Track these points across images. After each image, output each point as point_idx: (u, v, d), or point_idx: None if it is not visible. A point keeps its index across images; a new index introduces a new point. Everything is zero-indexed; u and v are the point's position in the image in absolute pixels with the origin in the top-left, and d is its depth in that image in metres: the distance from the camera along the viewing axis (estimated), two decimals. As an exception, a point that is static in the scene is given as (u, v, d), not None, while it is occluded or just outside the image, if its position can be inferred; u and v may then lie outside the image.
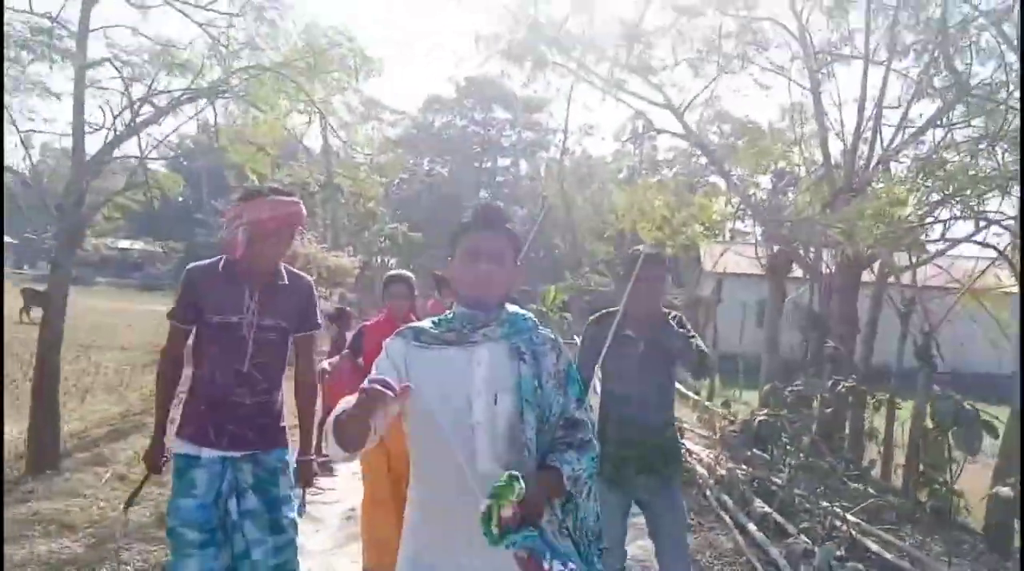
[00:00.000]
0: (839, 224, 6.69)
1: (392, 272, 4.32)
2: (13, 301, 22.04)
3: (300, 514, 5.32)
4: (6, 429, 8.09)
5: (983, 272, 7.97)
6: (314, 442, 3.12)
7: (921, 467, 5.90)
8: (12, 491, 5.42)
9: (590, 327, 3.37)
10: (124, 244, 48.13)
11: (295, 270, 3.05)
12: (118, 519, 4.79)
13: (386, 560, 3.66)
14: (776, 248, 10.21)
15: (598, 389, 3.38)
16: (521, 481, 1.68)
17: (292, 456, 3.04)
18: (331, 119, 8.46)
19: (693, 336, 3.22)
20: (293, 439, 3.09)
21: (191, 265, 2.96)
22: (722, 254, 15.66)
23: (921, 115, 8.74)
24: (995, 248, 7.06)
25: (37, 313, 20.65)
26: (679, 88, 10.04)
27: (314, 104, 7.18)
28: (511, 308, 2.02)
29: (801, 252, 9.84)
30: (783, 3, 9.75)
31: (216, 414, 2.83)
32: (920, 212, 7.38)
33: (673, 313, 3.30)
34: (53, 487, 5.51)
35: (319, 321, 3.11)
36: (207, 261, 2.96)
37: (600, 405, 3.29)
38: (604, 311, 3.41)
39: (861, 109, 8.64)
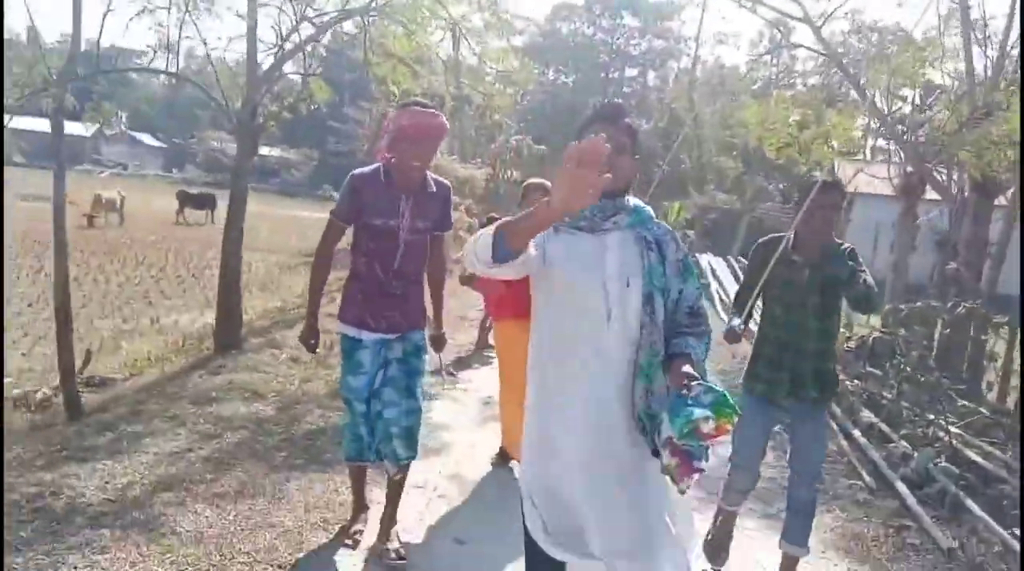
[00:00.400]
0: (968, 147, 6.56)
1: (531, 180, 4.44)
2: (168, 203, 24.20)
3: (452, 373, 5.84)
4: (186, 317, 9.40)
5: None
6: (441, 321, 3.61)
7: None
8: (205, 365, 6.52)
9: (759, 248, 3.39)
10: (263, 150, 51.04)
11: (439, 178, 3.37)
12: (299, 389, 5.78)
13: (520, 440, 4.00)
14: (909, 168, 9.91)
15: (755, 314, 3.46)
16: (734, 408, 1.81)
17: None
18: (467, 33, 8.82)
19: (863, 270, 3.15)
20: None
21: (355, 171, 3.28)
22: (856, 174, 15.12)
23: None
24: None
25: (193, 215, 22.96)
26: (817, -1, 9.69)
27: (452, 19, 7.61)
28: (632, 199, 2.13)
29: (935, 173, 9.55)
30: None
31: (374, 303, 3.23)
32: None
33: (845, 245, 3.24)
34: (239, 363, 6.56)
35: (451, 222, 3.47)
36: (369, 168, 3.27)
37: (759, 325, 3.36)
38: (774, 235, 3.44)
39: (1008, 26, 8.15)
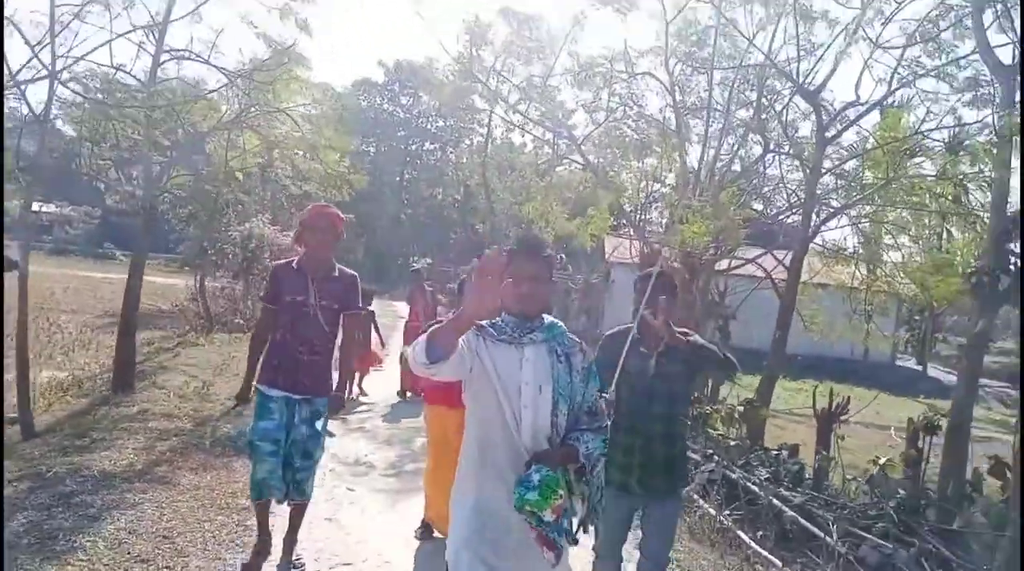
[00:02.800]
0: (673, 240, 10.00)
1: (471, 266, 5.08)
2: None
3: (330, 435, 5.65)
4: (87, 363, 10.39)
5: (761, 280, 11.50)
6: (346, 385, 4.40)
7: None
8: (108, 401, 8.07)
9: (606, 341, 3.55)
10: (35, 206, 47.72)
11: (345, 269, 4.12)
12: (202, 412, 7.62)
13: (444, 513, 4.32)
14: (645, 248, 13.61)
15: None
16: (563, 486, 2.26)
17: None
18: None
19: (712, 345, 3.37)
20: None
21: (275, 263, 4.29)
22: (613, 250, 19.14)
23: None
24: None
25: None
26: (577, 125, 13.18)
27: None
28: (547, 317, 2.46)
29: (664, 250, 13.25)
30: (658, 64, 13.02)
31: (284, 367, 3.95)
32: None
33: (684, 329, 3.33)
34: (138, 398, 8.21)
35: (359, 304, 4.21)
36: (285, 260, 4.19)
37: (613, 415, 3.37)
38: (619, 328, 3.59)
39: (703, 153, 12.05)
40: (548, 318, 2.47)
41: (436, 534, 4.90)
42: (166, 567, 4.04)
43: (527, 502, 2.19)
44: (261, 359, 4.03)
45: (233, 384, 8.84)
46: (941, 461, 6.58)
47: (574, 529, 2.36)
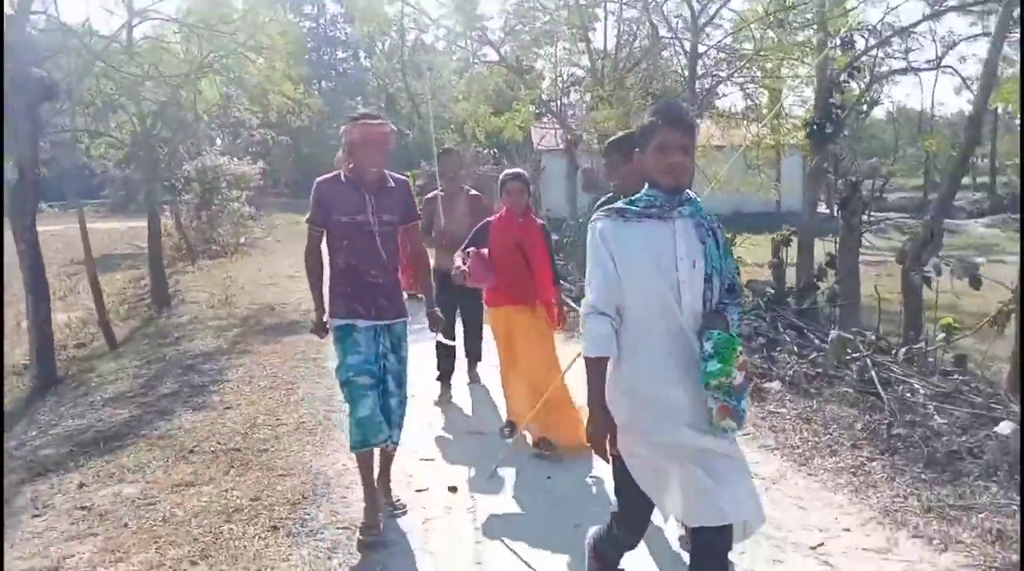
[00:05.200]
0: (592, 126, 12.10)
1: (509, 170, 4.83)
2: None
3: (452, 341, 5.70)
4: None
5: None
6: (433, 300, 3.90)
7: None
8: (156, 317, 9.96)
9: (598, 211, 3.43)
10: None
11: (396, 175, 3.67)
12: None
13: (522, 409, 4.60)
14: (566, 133, 15.65)
15: None
16: (738, 341, 2.20)
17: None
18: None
19: None
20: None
21: (318, 178, 3.58)
22: (541, 138, 21.13)
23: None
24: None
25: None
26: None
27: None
28: (689, 191, 2.38)
29: (584, 136, 15.32)
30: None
31: (360, 294, 3.52)
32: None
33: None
34: (177, 312, 10.10)
35: (417, 214, 3.84)
36: (329, 175, 3.62)
37: None
38: (604, 197, 3.60)
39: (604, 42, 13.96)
40: (691, 192, 2.38)
41: (522, 431, 4.74)
42: (286, 388, 6.15)
43: (712, 375, 2.18)
44: (327, 290, 3.66)
45: (247, 295, 10.79)
46: (796, 263, 9.08)
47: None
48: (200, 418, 5.38)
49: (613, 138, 3.65)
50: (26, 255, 7.18)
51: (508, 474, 4.33)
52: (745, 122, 15.21)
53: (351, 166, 3.55)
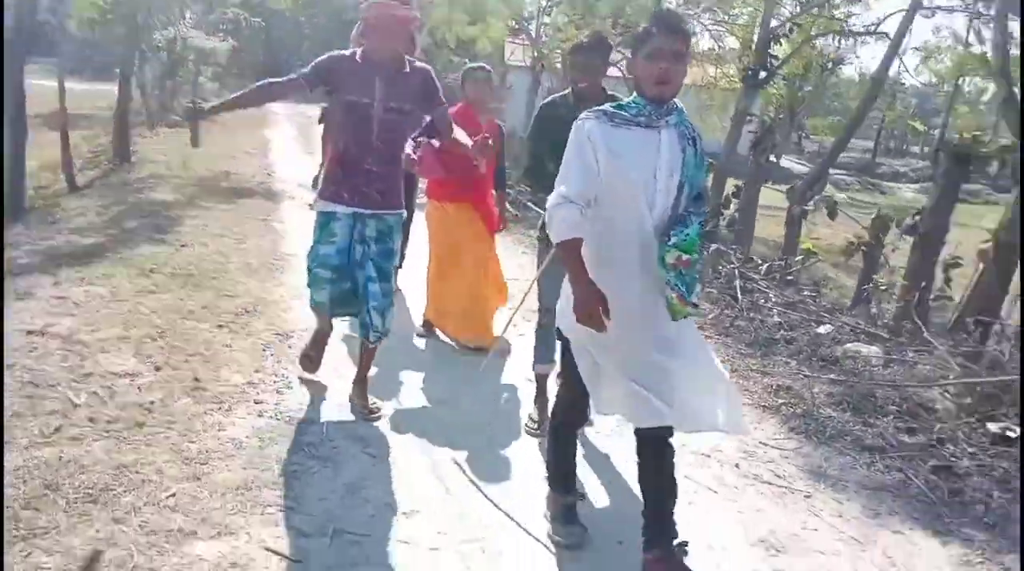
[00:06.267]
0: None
1: (471, 64, 4.77)
2: None
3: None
4: None
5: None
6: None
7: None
8: (116, 170, 10.48)
9: (544, 110, 3.51)
10: None
11: (417, 62, 3.45)
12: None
13: (446, 306, 4.72)
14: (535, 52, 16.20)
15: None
16: (694, 244, 2.27)
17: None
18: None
19: None
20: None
21: (333, 52, 3.44)
22: (512, 53, 21.52)
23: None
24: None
25: None
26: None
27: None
28: (676, 100, 2.36)
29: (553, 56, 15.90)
30: None
31: (350, 179, 3.40)
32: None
33: (612, 94, 3.33)
34: (138, 167, 10.63)
35: (443, 99, 3.55)
36: (347, 51, 3.44)
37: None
38: (553, 96, 3.64)
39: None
40: (677, 102, 2.38)
41: (437, 332, 4.87)
42: (236, 238, 6.93)
43: (668, 250, 2.29)
44: (323, 173, 3.63)
45: (205, 158, 11.31)
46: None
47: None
48: (159, 250, 6.15)
49: (591, 38, 3.54)
50: (12, 95, 7.68)
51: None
52: (703, 62, 15.97)
53: (364, 47, 3.39)
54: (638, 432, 2.52)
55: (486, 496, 3.04)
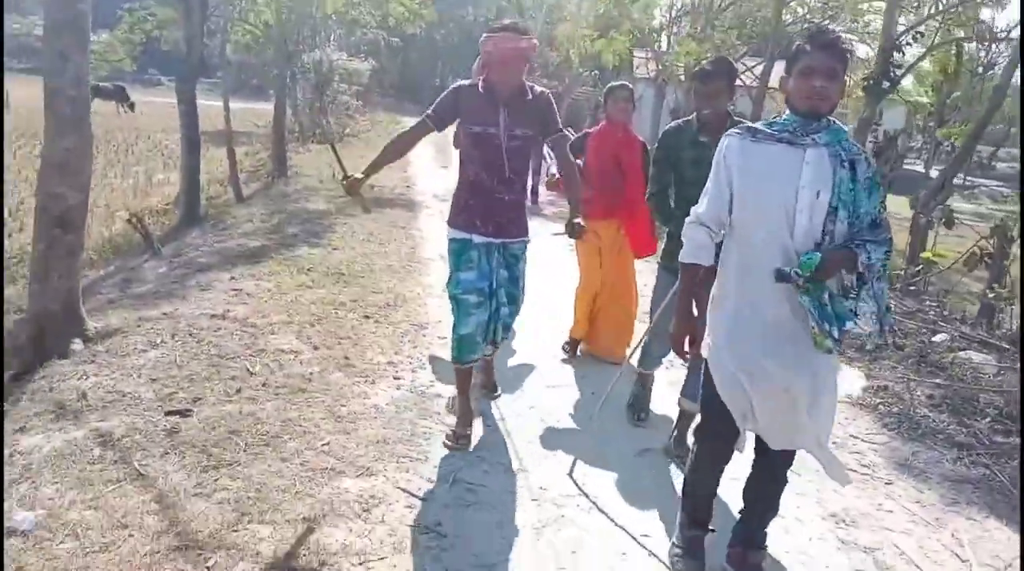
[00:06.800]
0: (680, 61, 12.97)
1: (614, 83, 4.68)
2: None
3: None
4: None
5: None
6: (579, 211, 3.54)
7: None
8: (274, 182, 11.72)
9: (667, 137, 3.54)
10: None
11: (538, 87, 3.49)
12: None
13: (585, 331, 4.84)
14: (658, 64, 16.45)
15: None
16: (812, 263, 2.14)
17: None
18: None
19: None
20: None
21: (458, 83, 3.50)
22: (638, 66, 21.80)
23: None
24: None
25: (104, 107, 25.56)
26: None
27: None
28: (833, 119, 2.28)
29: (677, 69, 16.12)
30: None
31: (482, 208, 3.46)
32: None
33: (739, 118, 3.36)
34: (293, 181, 11.83)
35: (560, 125, 3.53)
36: (470, 81, 3.51)
37: (674, 210, 3.48)
38: (680, 120, 3.62)
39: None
40: (834, 120, 2.30)
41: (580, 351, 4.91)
42: (379, 242, 7.73)
43: (801, 289, 2.21)
44: (452, 201, 3.61)
45: (352, 172, 12.35)
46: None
47: (861, 326, 2.28)
48: (315, 252, 7.01)
49: (716, 62, 3.50)
50: (185, 114, 8.90)
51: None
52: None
53: (485, 78, 3.41)
54: (760, 446, 2.52)
55: (595, 504, 3.14)
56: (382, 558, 2.61)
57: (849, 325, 2.26)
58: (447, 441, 3.51)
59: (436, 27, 54.41)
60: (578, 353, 4.92)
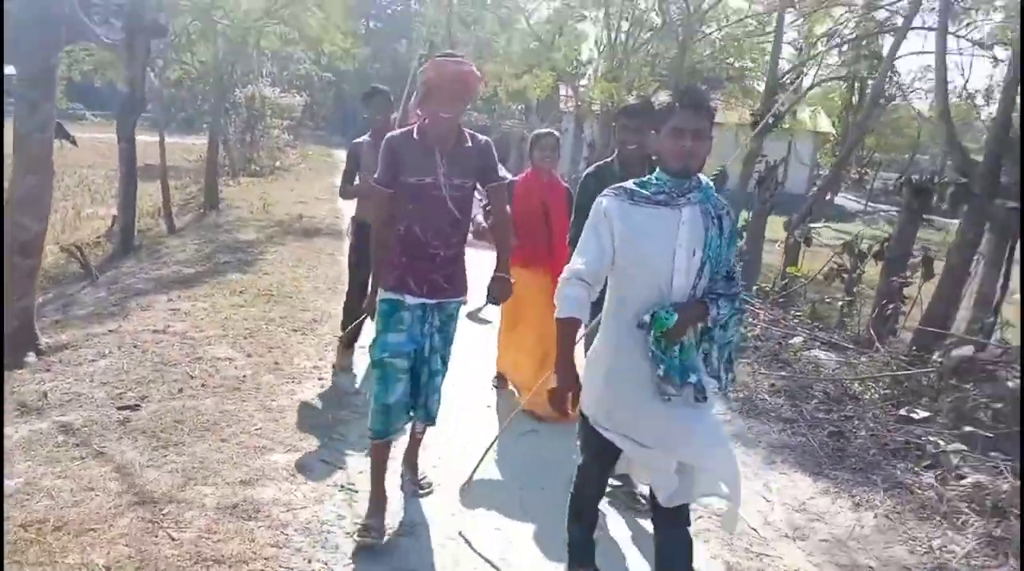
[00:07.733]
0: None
1: (540, 130, 4.66)
2: None
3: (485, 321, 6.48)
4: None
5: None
6: (508, 266, 3.34)
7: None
8: (206, 214, 12.20)
9: (589, 179, 3.58)
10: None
11: (476, 134, 3.24)
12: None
13: (516, 374, 4.82)
14: (577, 100, 17.60)
15: None
16: (665, 320, 2.23)
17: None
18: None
19: None
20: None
21: (389, 134, 3.19)
22: (565, 102, 23.08)
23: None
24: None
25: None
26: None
27: None
28: (701, 177, 2.35)
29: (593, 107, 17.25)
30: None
31: (416, 266, 3.14)
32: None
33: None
34: (226, 212, 12.34)
35: (499, 173, 3.32)
36: (401, 130, 3.22)
37: None
38: (600, 162, 3.69)
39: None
40: (703, 178, 2.35)
41: (510, 385, 4.94)
42: (308, 268, 8.35)
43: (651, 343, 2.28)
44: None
45: (281, 207, 12.94)
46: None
47: (704, 380, 2.34)
48: (246, 277, 7.60)
49: (640, 102, 3.63)
50: (124, 151, 9.39)
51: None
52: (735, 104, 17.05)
53: (425, 113, 3.10)
54: (655, 505, 2.47)
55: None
56: (304, 507, 3.29)
57: (693, 379, 2.32)
58: (357, 536, 3.07)
59: (370, 61, 55.30)
60: (509, 387, 4.95)
